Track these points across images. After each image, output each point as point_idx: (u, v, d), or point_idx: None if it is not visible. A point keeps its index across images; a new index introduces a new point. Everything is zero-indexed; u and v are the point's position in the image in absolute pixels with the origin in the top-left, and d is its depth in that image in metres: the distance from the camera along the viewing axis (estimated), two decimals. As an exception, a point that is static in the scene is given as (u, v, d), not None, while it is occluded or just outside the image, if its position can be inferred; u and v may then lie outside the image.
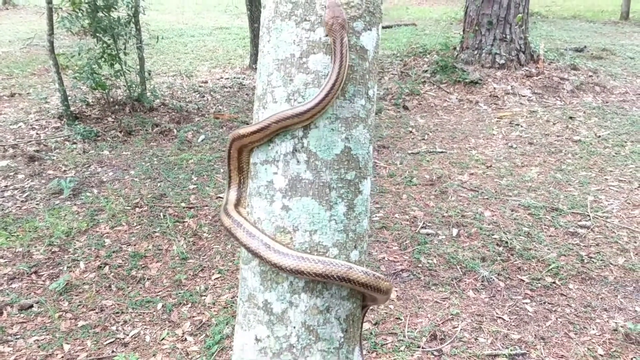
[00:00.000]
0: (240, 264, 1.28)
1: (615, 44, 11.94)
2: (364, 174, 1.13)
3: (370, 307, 1.33)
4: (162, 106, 7.43)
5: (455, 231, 4.39)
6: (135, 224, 4.53)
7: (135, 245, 4.23)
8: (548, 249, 4.12)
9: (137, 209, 4.77)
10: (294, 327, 1.13)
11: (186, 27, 14.95)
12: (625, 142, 6.18)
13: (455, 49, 9.18)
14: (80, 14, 6.55)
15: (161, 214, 4.68)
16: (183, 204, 4.85)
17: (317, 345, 1.13)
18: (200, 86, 8.64)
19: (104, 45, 6.67)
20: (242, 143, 1.18)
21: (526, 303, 3.57)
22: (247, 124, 6.38)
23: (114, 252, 4.13)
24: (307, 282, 1.10)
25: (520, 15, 8.22)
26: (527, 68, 8.32)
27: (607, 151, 5.95)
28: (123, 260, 4.03)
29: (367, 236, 1.21)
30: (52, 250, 4.14)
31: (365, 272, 1.10)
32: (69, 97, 6.86)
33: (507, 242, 4.19)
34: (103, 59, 6.74)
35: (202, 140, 6.36)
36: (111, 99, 7.16)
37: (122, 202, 4.85)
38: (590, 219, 4.54)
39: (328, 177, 1.09)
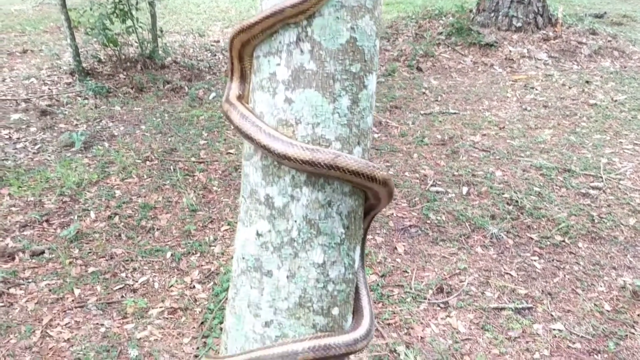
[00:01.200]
0: (242, 160, 1.27)
1: (637, 11, 11.63)
2: (370, 67, 1.10)
3: (377, 212, 1.29)
4: (173, 64, 7.39)
5: (465, 189, 4.36)
6: (145, 176, 4.55)
7: (145, 196, 4.26)
8: (559, 209, 4.09)
9: (147, 162, 4.78)
10: (295, 221, 1.12)
11: (199, -13, 14.76)
12: (642, 106, 6.07)
13: (471, 11, 9.00)
14: (91, -32, 6.47)
15: (171, 167, 4.69)
16: (193, 159, 4.85)
17: (317, 240, 1.11)
18: (212, 45, 8.56)
19: (116, 0, 6.60)
20: (242, 39, 1.14)
21: (534, 260, 3.56)
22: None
23: (124, 202, 4.15)
24: (308, 175, 1.08)
25: (539, -24, 8.01)
26: (544, 32, 8.15)
27: (624, 115, 5.85)
28: (133, 211, 4.06)
29: (371, 134, 1.18)
30: (63, 200, 4.17)
31: (355, 160, 1.07)
32: (81, 54, 6.83)
33: (517, 201, 4.16)
34: (115, 15, 6.68)
35: (213, 98, 6.33)
36: (123, 56, 7.11)
37: (132, 156, 4.86)
38: (602, 181, 4.49)
39: (332, 68, 1.05)
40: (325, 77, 1.05)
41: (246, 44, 1.15)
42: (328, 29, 1.04)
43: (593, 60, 7.64)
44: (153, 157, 4.85)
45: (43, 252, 3.57)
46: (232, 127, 1.29)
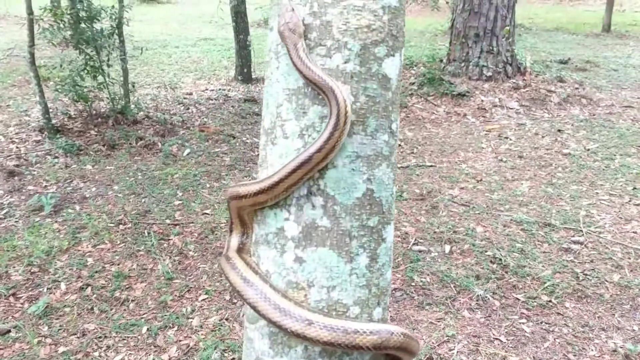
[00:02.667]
0: (244, 322, 1.14)
1: (598, 56, 12.02)
2: (388, 218, 1.02)
3: None
4: (146, 119, 7.28)
5: (447, 248, 4.30)
6: (118, 242, 4.39)
7: (118, 264, 4.09)
8: (542, 266, 4.05)
9: (120, 226, 4.62)
10: None
11: (170, 37, 14.80)
12: (615, 155, 6.17)
13: (441, 61, 9.16)
14: (62, 25, 6.40)
15: (145, 231, 4.54)
16: (168, 221, 4.71)
17: None
18: (184, 98, 8.50)
19: (87, 57, 6.52)
20: (242, 204, 1.05)
21: (523, 323, 3.48)
22: (233, 137, 6.18)
23: (96, 272, 3.97)
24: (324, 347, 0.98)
25: (507, 27, 8.22)
26: (514, 80, 8.32)
27: (597, 165, 5.92)
28: (106, 281, 3.88)
29: (390, 288, 1.09)
30: (32, 270, 3.98)
31: (376, 332, 0.95)
32: (50, 110, 6.69)
33: (500, 259, 4.11)
34: (86, 71, 6.58)
35: (187, 154, 6.23)
36: (94, 112, 6.99)
37: (105, 219, 4.70)
38: (583, 235, 4.48)
39: (348, 225, 0.96)
40: (340, 235, 0.97)
41: (246, 209, 1.07)
42: (343, 181, 0.96)
43: (563, 108, 7.79)
44: (126, 221, 4.69)
45: (9, 331, 3.36)
46: (231, 289, 1.17)
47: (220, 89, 9.03)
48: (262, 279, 0.98)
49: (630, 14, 20.02)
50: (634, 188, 5.32)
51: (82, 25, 6.40)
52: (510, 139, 6.74)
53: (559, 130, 6.97)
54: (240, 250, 1.06)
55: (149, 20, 18.14)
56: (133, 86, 7.36)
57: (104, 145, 6.37)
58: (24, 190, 5.25)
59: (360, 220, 0.98)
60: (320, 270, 0.97)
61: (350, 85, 1.03)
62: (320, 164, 0.93)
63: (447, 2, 14.05)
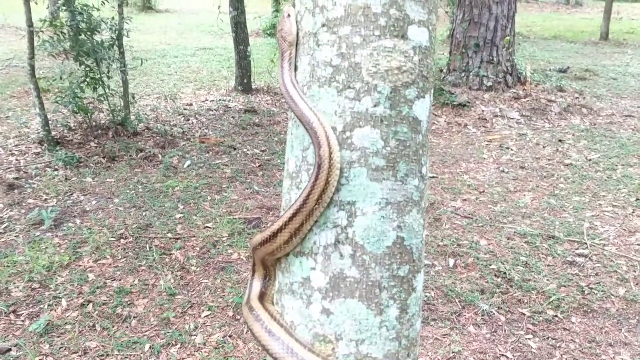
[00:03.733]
0: None
1: (597, 65, 12.06)
2: (418, 266, 0.99)
3: None
4: (146, 130, 7.26)
5: (451, 261, 4.27)
6: (120, 256, 4.35)
7: (120, 280, 4.05)
8: (547, 280, 4.02)
9: (121, 241, 4.58)
10: None
11: (169, 47, 14.81)
12: (616, 165, 6.16)
13: (442, 71, 9.16)
14: (62, 37, 6.38)
15: (147, 245, 4.50)
16: (170, 235, 4.68)
17: None
18: (184, 109, 8.48)
19: (87, 69, 6.50)
20: (260, 253, 1.03)
21: (529, 339, 3.45)
22: (234, 148, 6.16)
23: (97, 287, 3.94)
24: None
25: (507, 37, 8.23)
26: (514, 90, 8.32)
27: (599, 175, 5.90)
28: (107, 297, 3.84)
29: (419, 339, 1.06)
30: (32, 286, 3.94)
31: None
32: (50, 122, 6.66)
33: (505, 273, 4.08)
34: (86, 83, 6.56)
35: (187, 166, 6.20)
36: (94, 123, 6.97)
37: (106, 233, 4.67)
38: (587, 247, 4.46)
39: (378, 275, 0.93)
40: (370, 286, 0.94)
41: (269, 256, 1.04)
42: (372, 230, 0.93)
43: (563, 117, 7.78)
44: (127, 234, 4.66)
45: (9, 350, 3.32)
46: (255, 341, 1.13)
47: (220, 100, 9.01)
48: (288, 332, 0.94)
49: (627, 21, 20.10)
50: (637, 199, 5.31)
51: (82, 37, 6.38)
52: (512, 149, 6.73)
53: (560, 140, 6.96)
54: (262, 296, 1.03)
55: (148, 29, 18.15)
56: (133, 97, 7.34)
57: (104, 157, 6.34)
58: (23, 204, 5.22)
59: (390, 270, 0.95)
60: (348, 322, 0.93)
61: (380, 129, 1.00)
62: (304, 227, 0.91)
63: (446, 12, 14.08)
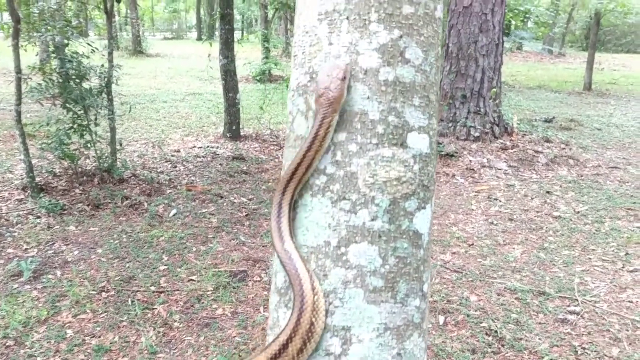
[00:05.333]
0: None
1: (581, 115, 12.26)
2: None
3: None
4: (132, 177, 7.19)
5: (442, 319, 4.18)
6: (100, 311, 4.21)
7: (100, 336, 3.90)
8: (539, 339, 3.93)
9: (103, 294, 4.45)
10: None
11: (159, 92, 14.88)
12: (604, 218, 6.15)
13: (429, 120, 9.23)
14: (50, 84, 6.36)
15: (129, 299, 4.37)
16: (153, 288, 4.56)
17: None
18: (172, 155, 8.44)
19: (74, 115, 6.46)
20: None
21: (522, 403, 3.34)
22: (221, 196, 6.09)
23: (75, 345, 3.78)
24: None
25: (494, 89, 8.35)
26: (501, 141, 8.39)
27: (588, 228, 5.89)
28: (86, 356, 3.69)
29: None
30: (7, 343, 3.78)
31: None
32: (35, 168, 6.58)
33: (496, 331, 4.00)
34: (73, 130, 6.51)
35: (173, 215, 6.11)
36: (79, 170, 6.89)
37: (87, 286, 4.53)
38: (578, 304, 4.39)
39: None
40: None
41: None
42: (369, 359, 0.87)
43: (550, 168, 7.83)
44: (109, 288, 4.53)
45: (-20, 414, 3.15)
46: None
47: (208, 146, 8.99)
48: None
49: (609, 72, 20.59)
50: (627, 253, 5.28)
51: (71, 84, 6.37)
52: (500, 201, 6.72)
53: (548, 192, 6.98)
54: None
55: (138, 73, 18.30)
56: (120, 144, 7.29)
57: (88, 205, 6.23)
58: (2, 254, 5.08)
59: None
60: None
61: (378, 245, 0.94)
62: None
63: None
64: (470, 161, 7.83)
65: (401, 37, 1.04)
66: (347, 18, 1.05)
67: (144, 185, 6.94)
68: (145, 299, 4.38)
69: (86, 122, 6.58)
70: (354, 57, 1.05)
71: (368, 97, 1.04)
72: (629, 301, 4.46)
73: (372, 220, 0.96)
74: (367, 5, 1.03)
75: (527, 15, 15.79)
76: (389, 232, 0.97)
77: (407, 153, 1.01)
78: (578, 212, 6.32)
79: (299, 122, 1.07)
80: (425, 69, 1.06)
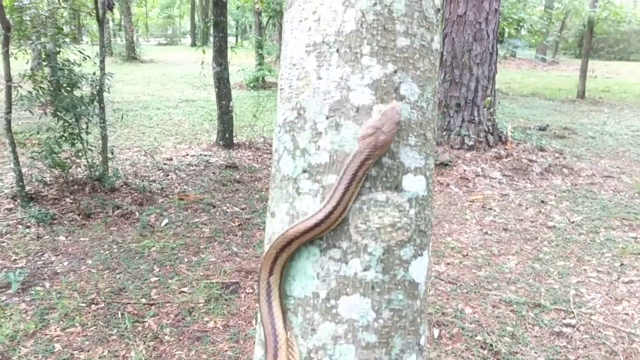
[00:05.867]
0: None
1: (575, 123, 12.27)
2: None
3: None
4: (124, 186, 7.11)
5: (436, 332, 4.13)
6: (89, 324, 4.13)
7: (88, 350, 3.83)
8: (535, 352, 3.89)
9: (92, 306, 4.37)
10: None
11: (152, 98, 14.82)
12: (599, 228, 6.13)
13: (423, 128, 9.21)
14: (41, 92, 6.29)
15: (119, 312, 4.30)
16: (143, 300, 4.48)
17: None
18: (164, 164, 8.37)
19: (65, 124, 6.39)
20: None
21: (518, 419, 3.29)
22: (213, 206, 6.04)
23: (64, 360, 3.71)
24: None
25: (488, 98, 8.33)
26: (495, 150, 8.37)
27: (583, 238, 5.86)
28: (74, 371, 3.62)
29: None
30: (-6, 358, 3.70)
31: None
32: (25, 177, 6.50)
33: (491, 345, 3.95)
34: (64, 138, 6.44)
35: (165, 225, 6.04)
36: (70, 178, 6.81)
37: (76, 298, 4.46)
38: (574, 316, 4.35)
39: None
40: None
41: None
42: None
43: (545, 178, 7.81)
44: (99, 300, 4.45)
45: None
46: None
47: (201, 155, 8.93)
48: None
49: (603, 79, 20.67)
50: (622, 264, 5.25)
51: (62, 92, 6.30)
52: (495, 210, 6.69)
53: (543, 202, 6.95)
54: None
55: (131, 80, 18.23)
56: (112, 153, 7.22)
57: (79, 215, 6.16)
58: (-9, 265, 4.99)
59: None
60: None
61: (372, 297, 0.88)
62: None
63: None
64: (465, 170, 7.80)
65: (396, 71, 0.98)
66: (337, 51, 0.98)
67: (135, 194, 6.87)
68: (135, 312, 4.31)
69: (77, 131, 6.52)
70: (344, 94, 0.98)
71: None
72: (624, 313, 4.43)
73: (365, 270, 0.89)
74: (359, 37, 0.97)
75: (521, 24, 15.85)
76: (382, 283, 0.90)
77: (402, 197, 0.94)
78: (573, 222, 6.29)
79: (285, 162, 1.01)
80: (421, 105, 1.00)
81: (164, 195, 6.99)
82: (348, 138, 0.96)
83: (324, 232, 0.91)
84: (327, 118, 0.98)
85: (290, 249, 0.88)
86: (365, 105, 0.97)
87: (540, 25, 17.54)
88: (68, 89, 6.33)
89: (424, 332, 0.94)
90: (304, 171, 0.97)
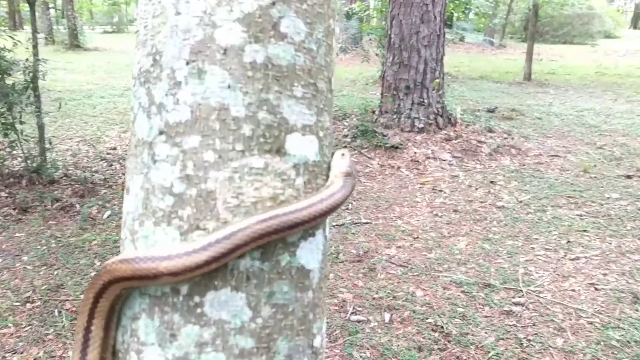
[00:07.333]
0: None
1: (522, 104, 12.46)
2: None
3: None
4: (64, 177, 6.80)
5: (387, 316, 4.07)
6: (24, 324, 3.90)
7: (22, 352, 3.61)
8: (485, 332, 3.88)
9: (27, 305, 4.13)
10: None
11: (96, 87, 14.28)
12: (546, 206, 6.20)
13: (374, 112, 9.16)
14: (-31, 80, 5.92)
15: (56, 310, 4.07)
16: (83, 296, 4.26)
17: None
18: (108, 153, 8.06)
19: (-4, 114, 6.05)
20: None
21: (469, 400, 3.26)
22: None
23: (-5, 363, 3.48)
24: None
25: (437, 80, 8.33)
26: (445, 132, 8.38)
27: (530, 217, 5.92)
28: (6, 374, 3.40)
29: None
30: None
31: None
32: (-45, 171, 6.13)
33: (442, 327, 3.91)
34: (-5, 129, 6.09)
35: (108, 217, 5.79)
36: (6, 171, 6.46)
37: (10, 297, 4.21)
38: (523, 295, 4.37)
39: None
40: None
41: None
42: None
43: (493, 158, 7.87)
44: (35, 298, 4.21)
45: None
46: None
47: (146, 143, 8.63)
48: None
49: (548, 62, 21.11)
50: (568, 242, 5.32)
51: (-8, 79, 5.95)
52: (445, 192, 6.69)
53: (492, 182, 7.00)
54: None
55: (75, 68, 17.57)
56: (50, 143, 6.89)
57: (14, 209, 5.84)
58: None
59: None
60: None
61: (246, 291, 0.70)
62: None
63: (376, 54, 14.33)
64: (415, 153, 7.79)
65: (274, 3, 0.79)
66: None
67: (76, 186, 6.57)
68: (74, 309, 4.09)
69: (10, 120, 6.17)
70: (209, 32, 0.79)
71: (229, 86, 0.77)
72: (571, 290, 4.47)
73: (238, 258, 0.74)
74: None
75: (468, 7, 15.97)
76: (261, 272, 0.73)
77: (286, 162, 0.77)
78: (521, 202, 6.35)
79: (140, 122, 0.82)
80: (310, 48, 0.81)
81: (107, 186, 6.72)
82: (214, 88, 0.77)
83: (176, 283, 0.74)
84: (187, 64, 0.79)
85: (115, 292, 0.73)
86: (235, 46, 0.79)
87: (487, 9, 17.74)
88: (-1, 76, 5.97)
89: (320, 329, 0.78)
90: (161, 132, 0.79)
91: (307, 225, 0.71)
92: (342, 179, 0.80)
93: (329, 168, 0.82)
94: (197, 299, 0.68)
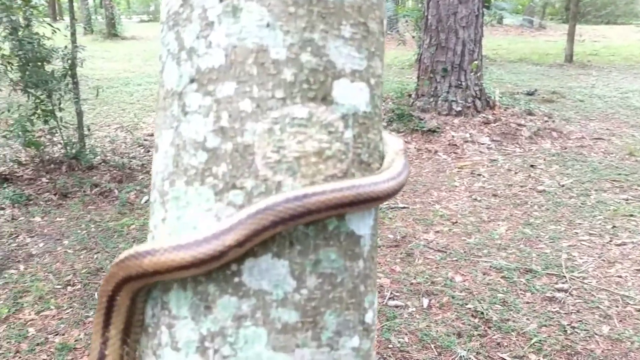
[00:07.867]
0: None
1: (563, 87, 12.10)
2: None
3: None
4: (102, 163, 6.89)
5: (425, 301, 4.00)
6: (65, 307, 3.97)
7: (64, 334, 3.67)
8: (527, 319, 3.77)
9: (68, 288, 4.20)
10: None
11: (133, 75, 14.45)
12: (590, 190, 6.00)
13: (410, 95, 9.01)
14: (9, 68, 6.02)
15: (96, 293, 4.13)
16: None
17: None
18: (145, 139, 8.14)
19: (37, 100, 6.14)
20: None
21: (511, 388, 3.18)
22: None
23: (37, 344, 3.55)
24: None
25: (475, 62, 8.13)
26: (483, 115, 8.19)
27: (573, 201, 5.74)
28: (48, 355, 3.46)
29: None
30: (-36, 345, 3.53)
31: None
32: (-1, 157, 6.27)
33: (482, 313, 3.82)
34: (36, 116, 6.19)
35: (145, 202, 5.85)
36: (47, 157, 6.58)
37: (51, 280, 4.28)
38: (566, 281, 4.23)
39: None
40: None
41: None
42: None
43: (534, 142, 7.66)
44: (75, 281, 4.28)
45: None
46: None
47: (182, 129, 8.69)
48: None
49: (590, 43, 20.47)
50: (614, 226, 5.13)
51: (32, 67, 6.03)
52: (484, 176, 6.54)
53: (532, 166, 6.81)
54: None
55: (113, 57, 17.83)
56: (89, 129, 6.99)
57: (55, 194, 5.95)
58: (-37, 249, 4.80)
59: None
60: None
61: (289, 258, 0.61)
62: None
63: (413, 37, 14.10)
64: (453, 136, 7.63)
65: None
66: None
67: (114, 171, 6.65)
68: (113, 292, 4.14)
69: (50, 107, 6.27)
70: None
71: (268, 25, 0.67)
72: (617, 276, 4.32)
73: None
74: None
75: (507, -14, 15.54)
76: (306, 237, 0.64)
77: (333, 112, 0.67)
78: (563, 186, 6.16)
79: (169, 71, 0.72)
80: None
81: (144, 171, 6.78)
82: (250, 27, 0.67)
83: (200, 274, 0.66)
84: (220, 1, 0.69)
85: (133, 287, 0.67)
86: None
87: (526, -11, 17.24)
88: (38, 63, 6.05)
89: (372, 305, 0.68)
90: (192, 80, 0.70)
91: (381, 202, 0.65)
92: (402, 156, 0.74)
93: (380, 122, 0.75)
94: (234, 267, 0.61)
